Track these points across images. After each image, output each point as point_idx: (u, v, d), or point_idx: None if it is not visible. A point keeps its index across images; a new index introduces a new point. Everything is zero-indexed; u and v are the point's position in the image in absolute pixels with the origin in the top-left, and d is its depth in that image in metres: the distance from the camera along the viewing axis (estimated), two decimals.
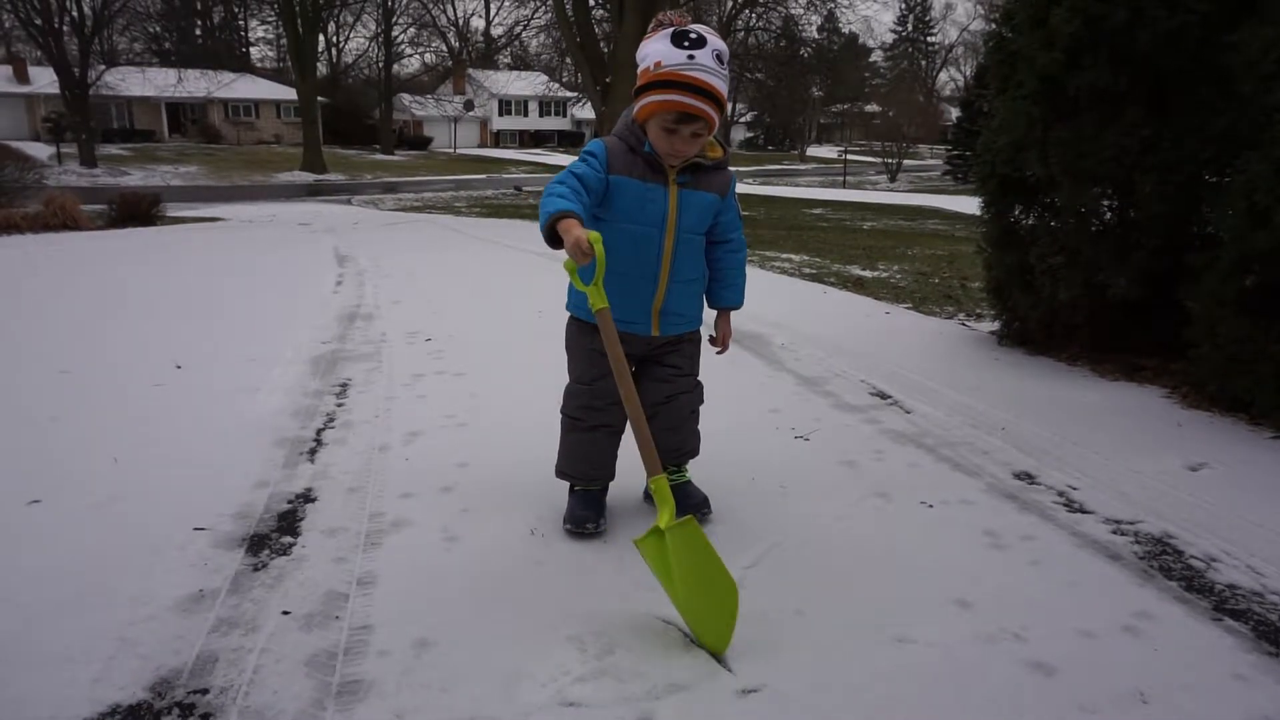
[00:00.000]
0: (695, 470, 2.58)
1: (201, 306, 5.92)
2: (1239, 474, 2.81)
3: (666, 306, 2.32)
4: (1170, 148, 3.63)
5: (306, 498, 2.65)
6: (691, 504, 2.46)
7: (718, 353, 2.53)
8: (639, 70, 2.15)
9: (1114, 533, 2.42)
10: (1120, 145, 3.72)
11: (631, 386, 2.00)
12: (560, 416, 2.46)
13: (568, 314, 2.43)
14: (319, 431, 3.26)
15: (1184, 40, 3.51)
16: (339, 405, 3.60)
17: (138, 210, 13.02)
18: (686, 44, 2.07)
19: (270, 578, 2.15)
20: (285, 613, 1.99)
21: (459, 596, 2.07)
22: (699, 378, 2.51)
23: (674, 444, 2.48)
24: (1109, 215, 4.10)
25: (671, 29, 2.10)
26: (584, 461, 2.45)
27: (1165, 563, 2.25)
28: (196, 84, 38.47)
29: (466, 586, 2.12)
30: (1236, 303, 3.28)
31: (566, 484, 2.50)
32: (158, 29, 43.46)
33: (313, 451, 3.05)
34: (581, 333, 2.36)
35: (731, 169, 2.38)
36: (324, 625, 1.94)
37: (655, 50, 2.09)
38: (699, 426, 2.54)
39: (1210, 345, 3.39)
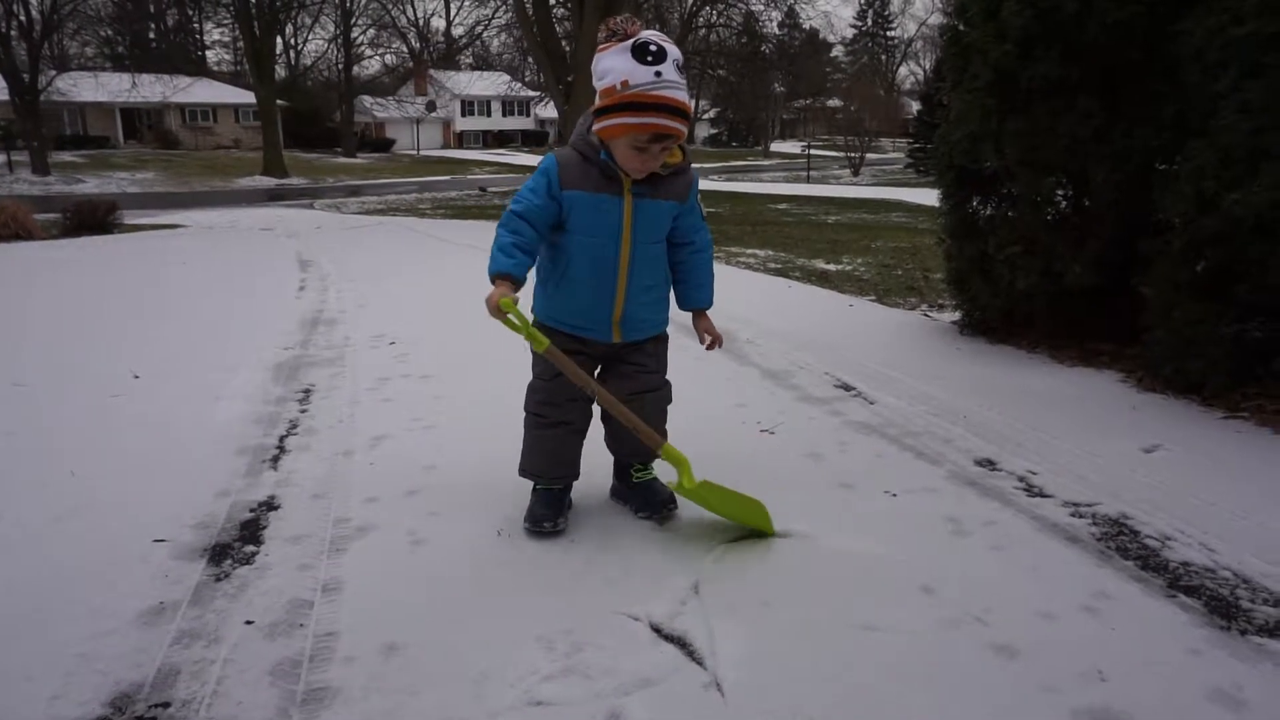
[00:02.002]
0: (662, 464, 2.58)
1: (160, 315, 5.81)
2: (1192, 454, 2.88)
3: (626, 315, 2.32)
4: (1122, 137, 3.70)
5: (269, 505, 2.61)
6: (657, 501, 2.47)
7: (717, 347, 2.51)
8: (600, 86, 2.09)
9: (1073, 515, 2.47)
10: (1073, 135, 3.79)
11: (597, 385, 2.26)
12: (525, 412, 2.46)
13: (531, 315, 2.42)
14: (282, 438, 3.22)
15: (1133, 31, 3.58)
16: (302, 411, 3.55)
17: (93, 218, 12.74)
18: (649, 59, 2.03)
19: (233, 587, 2.12)
20: (249, 622, 1.96)
21: (426, 600, 2.06)
22: (667, 377, 2.50)
23: (639, 443, 2.48)
24: (1064, 204, 4.17)
25: (630, 41, 2.05)
26: (545, 459, 2.44)
27: (1122, 543, 2.30)
28: (152, 88, 37.60)
29: (434, 589, 2.11)
30: (1189, 287, 3.36)
31: (530, 483, 2.49)
32: (110, 32, 42.38)
33: (275, 459, 3.01)
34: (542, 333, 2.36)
35: (694, 167, 2.37)
36: (288, 633, 1.92)
37: (618, 67, 2.04)
38: (666, 425, 2.54)
39: (1163, 329, 3.46)
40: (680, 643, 1.87)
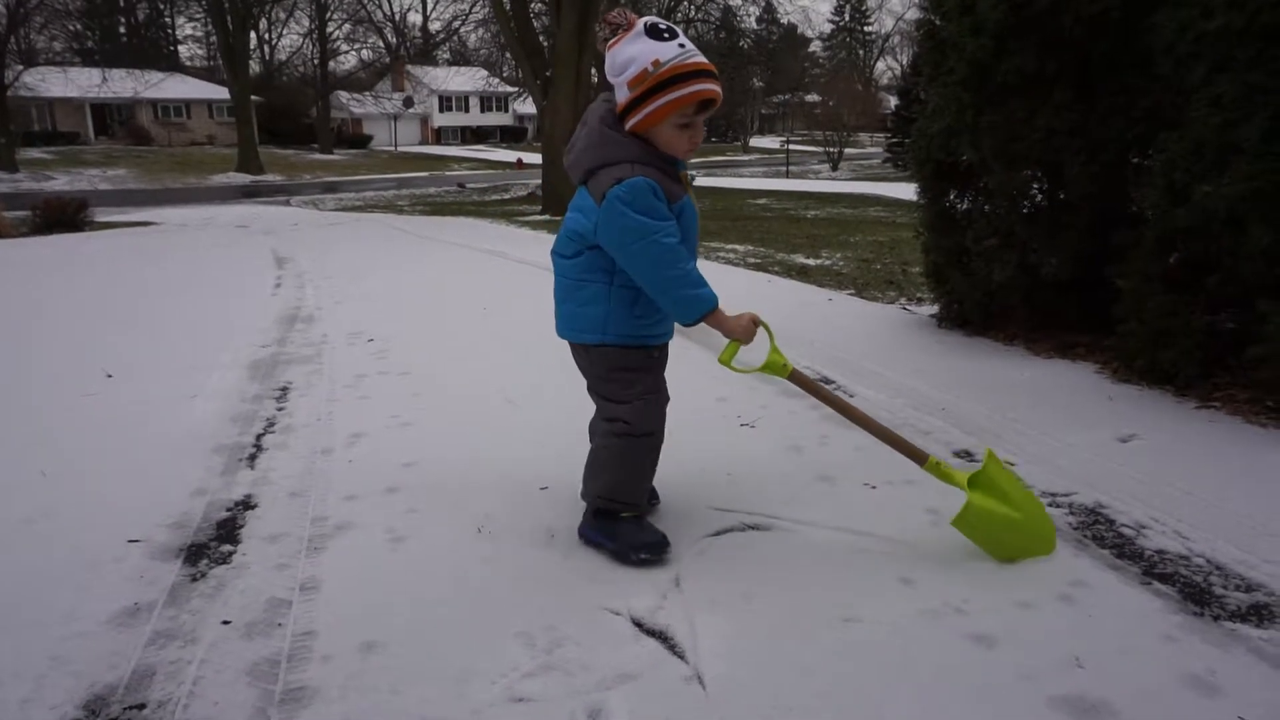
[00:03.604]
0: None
1: (133, 314, 5.74)
2: (1166, 444, 2.91)
3: None
4: (1096, 130, 3.73)
5: (246, 504, 2.59)
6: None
7: None
8: (628, 78, 1.98)
9: (1050, 505, 2.48)
10: (1049, 128, 3.81)
11: (855, 408, 2.25)
12: (627, 440, 2.20)
13: (590, 345, 2.18)
14: (259, 436, 3.18)
15: (1106, 24, 3.61)
16: (279, 409, 3.52)
17: (63, 216, 12.56)
18: (666, 35, 1.99)
19: (209, 587, 2.10)
20: (225, 622, 1.94)
21: (406, 597, 2.05)
22: None
23: None
24: (1040, 197, 4.20)
25: (639, 26, 2.01)
26: (644, 481, 2.30)
27: (1098, 532, 2.32)
28: (123, 84, 37.05)
29: (413, 587, 2.09)
30: (1162, 279, 3.39)
31: (590, 506, 2.32)
32: (78, 27, 41.71)
33: (252, 457, 2.98)
34: (630, 355, 2.17)
35: None
36: (266, 633, 1.90)
37: (642, 51, 1.97)
38: None
39: (1137, 321, 3.50)
40: (662, 637, 1.87)
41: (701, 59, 2.00)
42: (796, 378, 2.18)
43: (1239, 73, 2.99)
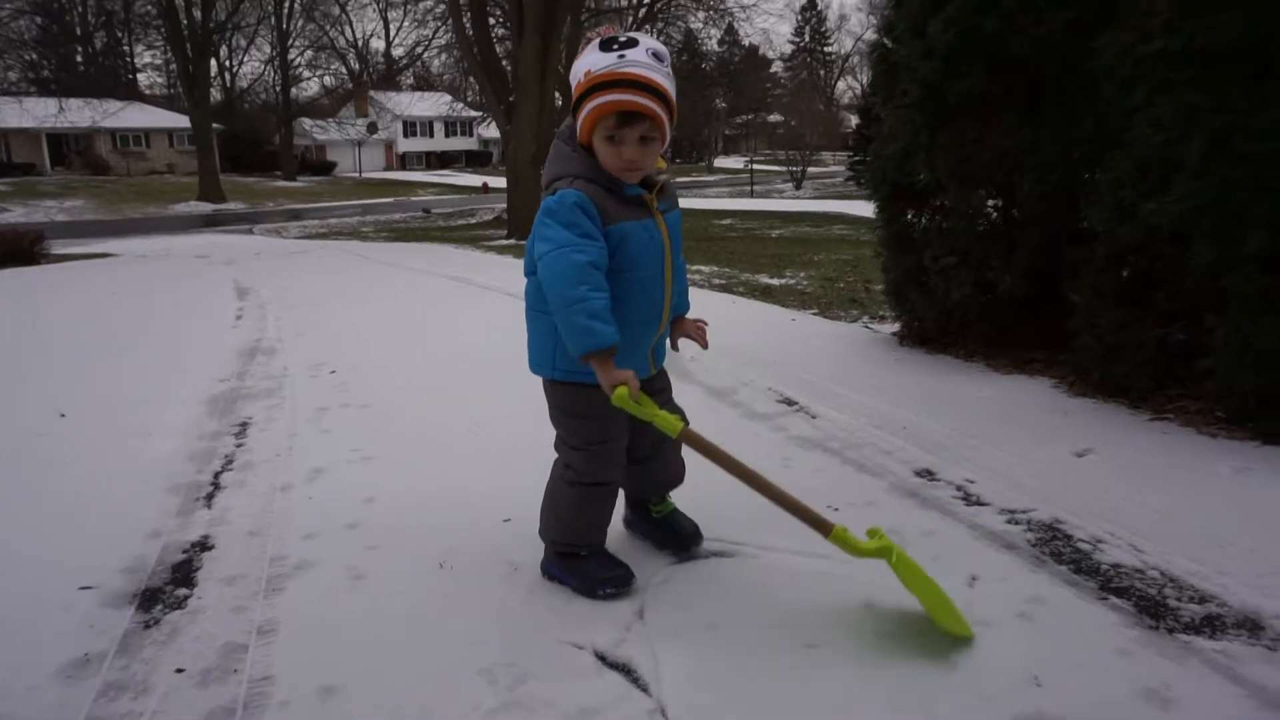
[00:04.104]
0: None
1: (89, 349, 5.62)
2: (1121, 457, 2.96)
3: (659, 341, 2.20)
4: (1046, 149, 3.82)
5: (203, 546, 2.54)
6: (685, 535, 2.39)
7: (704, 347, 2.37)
8: (574, 90, 1.95)
9: (1009, 522, 2.52)
10: (1000, 149, 3.89)
11: (755, 473, 2.04)
12: (579, 489, 2.15)
13: (546, 379, 2.13)
14: (216, 474, 3.13)
15: (1052, 47, 3.71)
16: (238, 445, 3.46)
17: (19, 248, 12.31)
18: (615, 47, 1.90)
19: (163, 634, 2.05)
20: (179, 670, 1.90)
21: (366, 637, 2.01)
22: None
23: (671, 475, 2.40)
24: (994, 215, 4.28)
25: (598, 39, 1.94)
26: (600, 525, 2.22)
27: (1056, 548, 2.35)
28: (80, 113, 36.45)
29: (373, 626, 2.06)
30: (1114, 294, 3.46)
31: (550, 547, 2.26)
32: (34, 56, 41.15)
33: (210, 496, 2.92)
34: (580, 396, 2.06)
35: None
36: (221, 680, 1.86)
37: (582, 63, 1.92)
38: None
39: (1091, 335, 3.56)
40: (625, 670, 1.86)
41: (634, 70, 1.87)
42: (687, 436, 2.01)
43: (1178, 94, 3.08)
